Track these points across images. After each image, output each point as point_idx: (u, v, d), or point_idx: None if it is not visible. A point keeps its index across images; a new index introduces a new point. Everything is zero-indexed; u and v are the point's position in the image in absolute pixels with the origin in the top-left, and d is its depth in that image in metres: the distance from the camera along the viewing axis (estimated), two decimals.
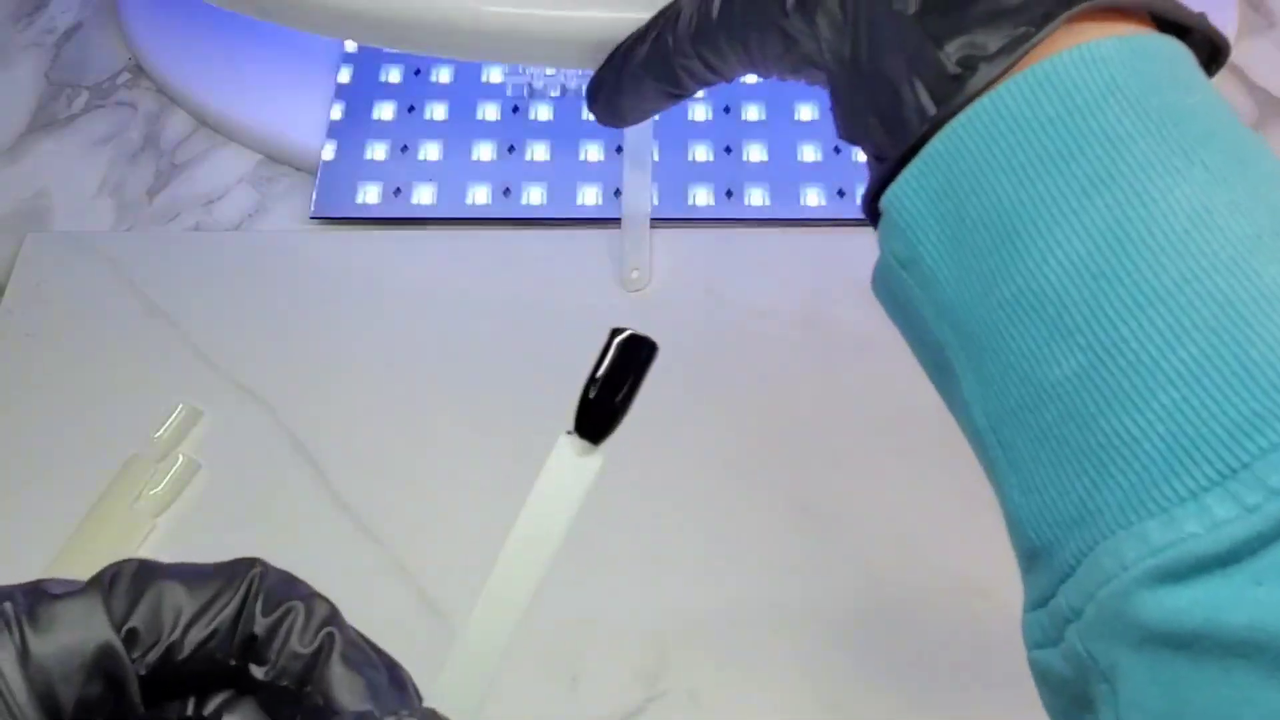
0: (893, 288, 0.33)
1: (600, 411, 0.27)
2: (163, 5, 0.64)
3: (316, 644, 0.23)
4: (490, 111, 0.59)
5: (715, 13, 0.34)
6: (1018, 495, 0.27)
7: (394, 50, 0.61)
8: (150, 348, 0.52)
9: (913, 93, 0.29)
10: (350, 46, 0.62)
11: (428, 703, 0.24)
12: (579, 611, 0.45)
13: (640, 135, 0.56)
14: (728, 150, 0.57)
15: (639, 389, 0.28)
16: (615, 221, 0.54)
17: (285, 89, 0.61)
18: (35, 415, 0.50)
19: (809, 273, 0.54)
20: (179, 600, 0.23)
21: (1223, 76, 0.60)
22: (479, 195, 0.56)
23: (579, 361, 0.28)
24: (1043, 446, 0.26)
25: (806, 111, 0.58)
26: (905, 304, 0.32)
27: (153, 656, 0.23)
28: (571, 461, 0.28)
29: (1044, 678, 0.27)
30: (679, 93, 0.37)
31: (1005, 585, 0.45)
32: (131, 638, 0.23)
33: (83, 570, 0.48)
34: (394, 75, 0.60)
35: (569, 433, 0.28)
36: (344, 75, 0.60)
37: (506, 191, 0.56)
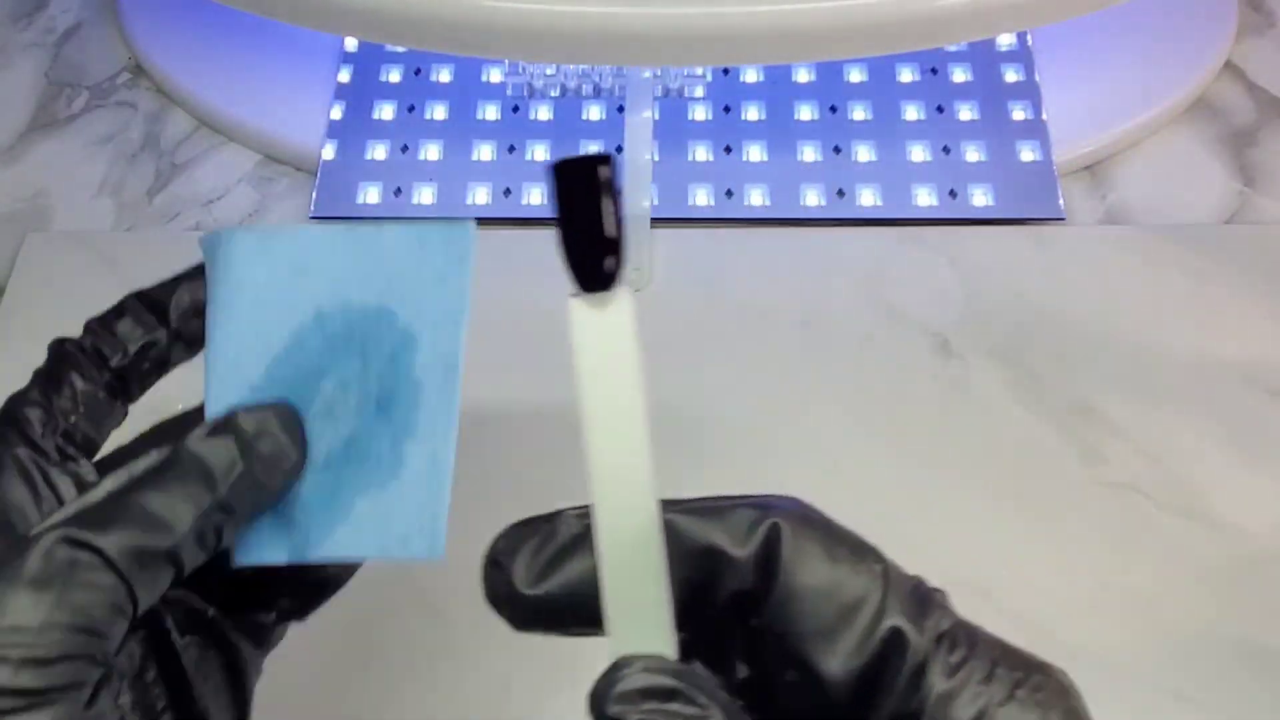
0: None
1: (592, 250, 0.23)
2: (163, 5, 0.64)
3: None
4: (490, 111, 0.59)
5: None
6: None
7: (393, 45, 0.61)
8: None
9: None
10: (350, 46, 0.62)
11: (614, 655, 0.23)
12: None
13: (640, 135, 0.56)
14: (728, 150, 0.57)
15: (620, 207, 0.24)
16: None
17: (285, 89, 0.61)
18: None
19: (809, 273, 0.54)
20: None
21: (1223, 76, 0.60)
22: (479, 195, 0.56)
23: None
24: None
25: (806, 111, 0.58)
26: None
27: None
28: (596, 322, 0.24)
29: None
30: None
31: (1005, 585, 0.45)
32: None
33: None
34: (394, 75, 0.60)
35: (574, 295, 0.24)
36: (344, 75, 0.61)
37: (507, 191, 0.56)
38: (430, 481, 0.29)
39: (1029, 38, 0.61)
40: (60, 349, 0.33)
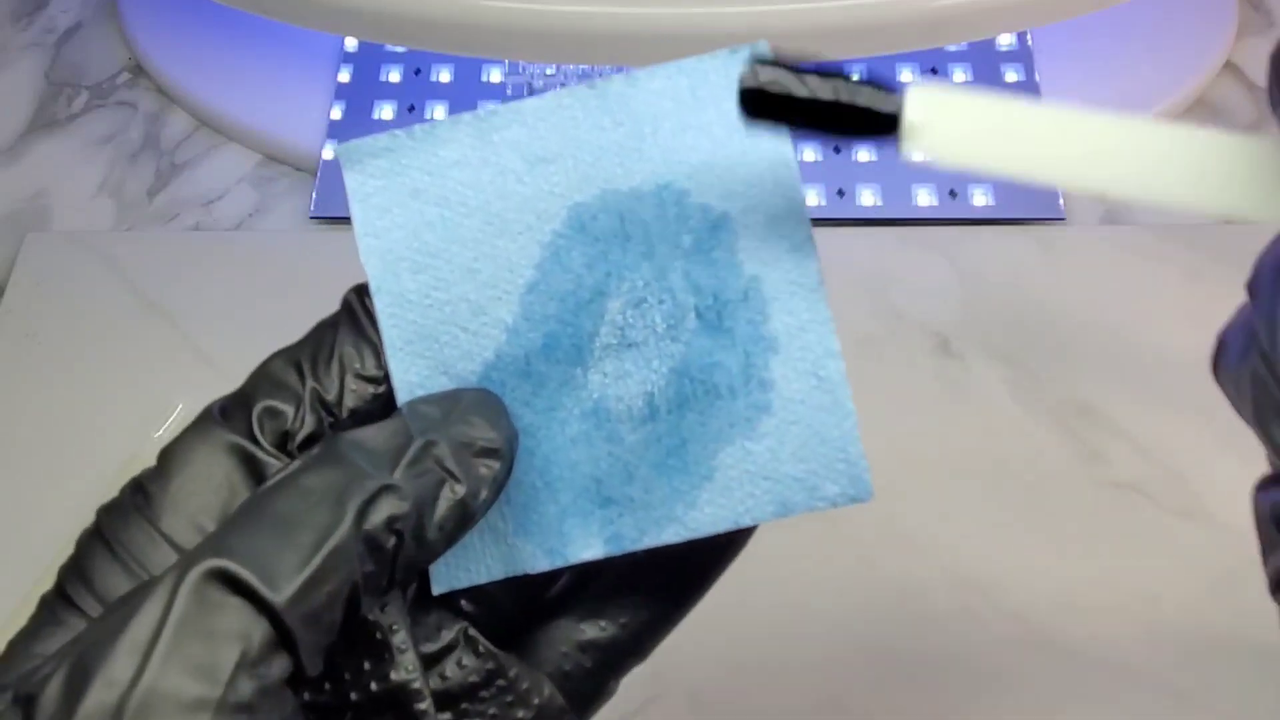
0: None
1: (862, 114, 0.22)
2: (163, 5, 0.64)
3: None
4: None
5: None
6: None
7: (393, 45, 0.61)
8: (150, 348, 0.52)
9: None
10: (350, 46, 0.62)
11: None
12: None
13: None
14: None
15: (823, 67, 0.22)
16: None
17: (285, 89, 0.61)
18: (35, 415, 0.50)
19: None
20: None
21: (1223, 76, 0.60)
22: None
23: None
24: None
25: None
26: None
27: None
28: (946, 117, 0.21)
29: None
30: None
31: (1005, 584, 0.45)
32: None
33: None
34: (394, 75, 0.60)
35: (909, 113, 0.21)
36: (344, 75, 0.60)
37: None
38: (823, 402, 0.24)
39: (1029, 38, 0.61)
40: None
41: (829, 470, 0.23)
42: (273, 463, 0.22)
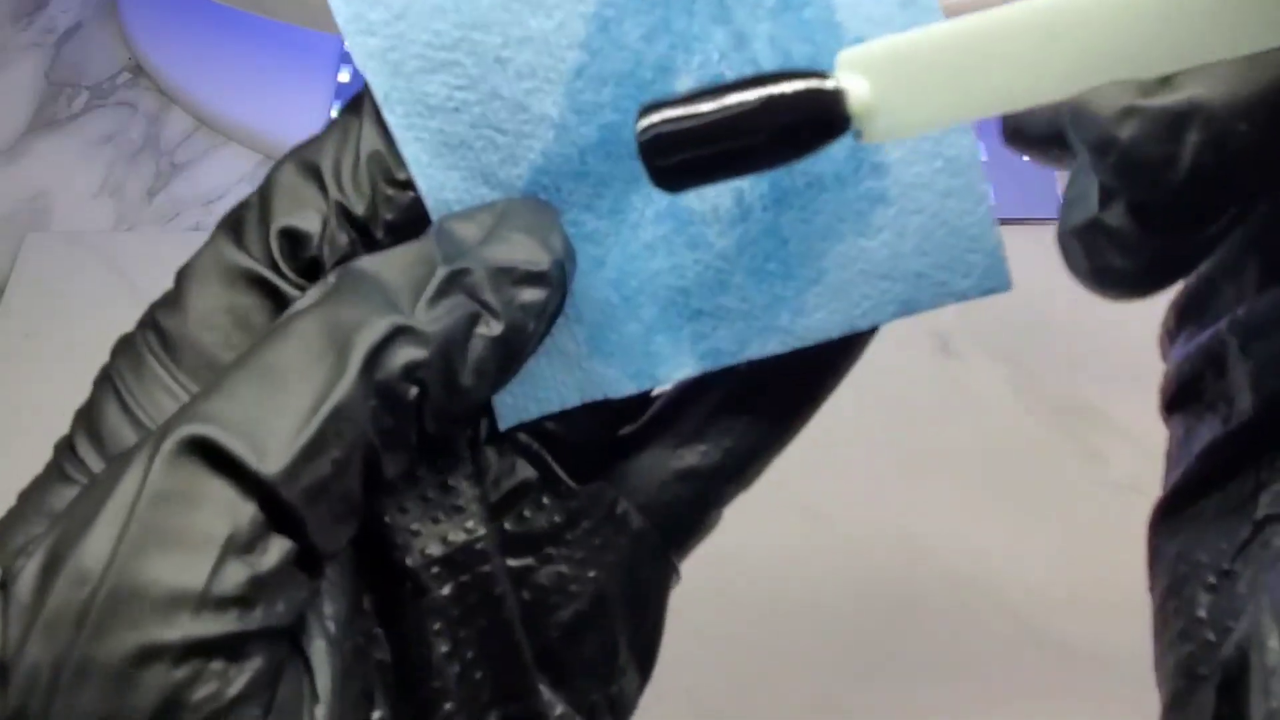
0: None
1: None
2: (163, 5, 0.64)
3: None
4: None
5: None
6: None
7: None
8: None
9: None
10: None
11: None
12: None
13: None
14: None
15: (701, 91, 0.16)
16: None
17: (285, 89, 0.61)
18: (35, 416, 0.50)
19: None
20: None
21: None
22: None
23: None
24: None
25: None
26: None
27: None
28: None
29: None
30: None
31: (1006, 584, 0.45)
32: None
33: None
34: None
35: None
36: (344, 75, 0.61)
37: None
38: (951, 185, 0.19)
39: None
40: None
41: (960, 262, 0.20)
42: (296, 295, 0.19)
